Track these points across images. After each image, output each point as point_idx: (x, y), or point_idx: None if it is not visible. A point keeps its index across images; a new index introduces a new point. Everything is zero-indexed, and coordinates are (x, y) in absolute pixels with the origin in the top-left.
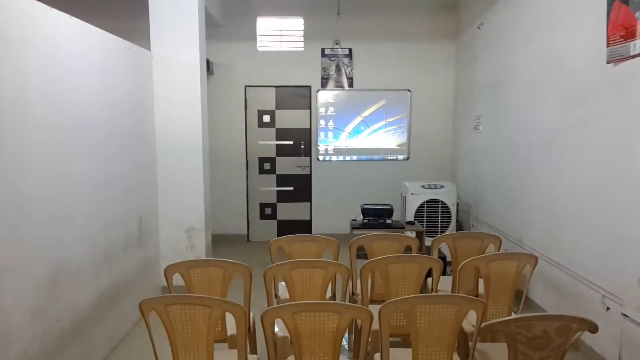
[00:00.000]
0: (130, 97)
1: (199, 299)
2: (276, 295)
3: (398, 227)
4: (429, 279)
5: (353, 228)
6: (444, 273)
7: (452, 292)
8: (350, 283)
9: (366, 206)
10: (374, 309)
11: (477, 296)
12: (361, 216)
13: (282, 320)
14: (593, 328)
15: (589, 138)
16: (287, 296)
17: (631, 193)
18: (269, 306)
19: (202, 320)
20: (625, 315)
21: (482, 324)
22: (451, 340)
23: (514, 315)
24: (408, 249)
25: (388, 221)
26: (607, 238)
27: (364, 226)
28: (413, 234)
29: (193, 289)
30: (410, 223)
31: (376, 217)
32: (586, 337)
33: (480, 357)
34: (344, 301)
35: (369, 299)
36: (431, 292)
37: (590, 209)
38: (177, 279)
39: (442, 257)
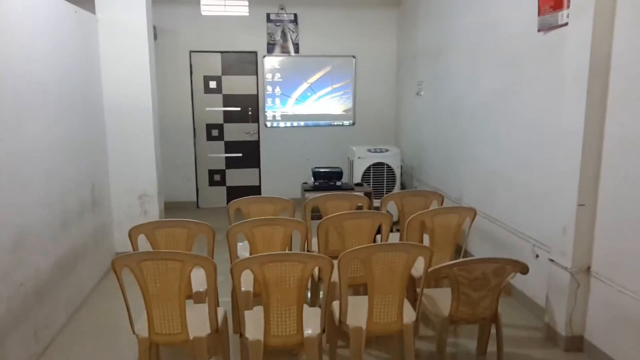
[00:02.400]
0: (77, 61)
1: (171, 254)
2: (237, 256)
3: (348, 188)
4: (378, 236)
5: (305, 190)
6: (391, 231)
7: None
8: (306, 241)
9: (317, 169)
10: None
11: None
12: (312, 179)
13: (251, 271)
14: (524, 269)
15: (522, 100)
16: (246, 256)
17: (557, 150)
18: (232, 262)
19: (174, 275)
20: (551, 260)
21: (429, 269)
22: (402, 284)
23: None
24: (359, 208)
25: (338, 183)
26: (537, 193)
27: (315, 188)
28: (362, 195)
29: (158, 249)
30: (358, 185)
31: (327, 180)
32: (518, 282)
33: (427, 301)
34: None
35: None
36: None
37: (523, 166)
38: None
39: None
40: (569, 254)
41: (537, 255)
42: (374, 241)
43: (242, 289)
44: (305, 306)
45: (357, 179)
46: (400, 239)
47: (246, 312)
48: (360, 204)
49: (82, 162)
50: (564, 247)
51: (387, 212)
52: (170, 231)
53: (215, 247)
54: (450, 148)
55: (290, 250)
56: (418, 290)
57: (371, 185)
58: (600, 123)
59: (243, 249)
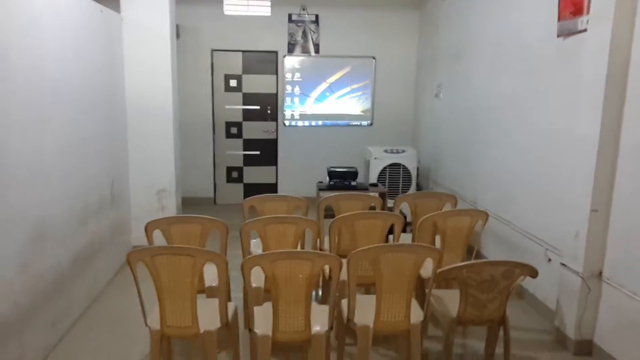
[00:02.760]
0: (101, 60)
1: (184, 249)
2: (249, 253)
3: (362, 188)
4: (391, 236)
5: (320, 189)
6: (404, 231)
7: None
8: (318, 240)
9: (332, 169)
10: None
11: None
12: (327, 178)
13: (261, 268)
14: (533, 273)
15: (539, 104)
16: (258, 252)
17: (572, 157)
18: (244, 258)
19: (187, 270)
20: (563, 264)
21: (438, 270)
22: (410, 285)
23: None
24: (372, 208)
25: (353, 183)
26: (551, 197)
27: (330, 188)
28: (376, 195)
29: (173, 244)
30: (373, 185)
31: (342, 179)
32: (530, 285)
33: (436, 301)
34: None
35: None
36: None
37: (538, 171)
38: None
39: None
40: (580, 258)
41: (550, 259)
42: (386, 241)
43: (253, 285)
44: (314, 303)
45: (373, 179)
46: (413, 240)
47: (256, 308)
48: (373, 205)
49: (103, 159)
50: (576, 252)
51: (401, 212)
52: (185, 227)
53: (229, 244)
54: (467, 150)
55: (303, 248)
56: (427, 290)
57: (387, 186)
58: (616, 130)
59: (256, 246)
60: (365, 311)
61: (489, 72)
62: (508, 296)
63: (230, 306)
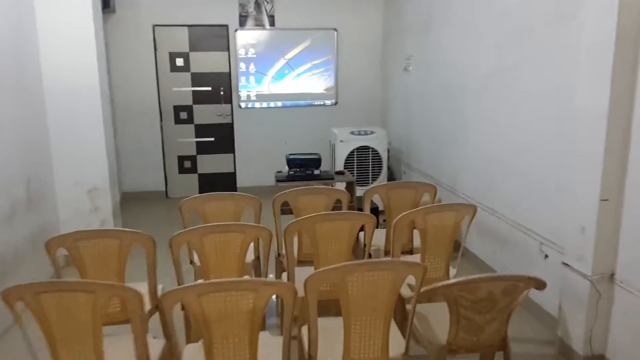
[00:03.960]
0: (7, 30)
1: (78, 285)
2: (191, 262)
3: (327, 178)
4: (362, 233)
5: (278, 181)
6: (377, 225)
7: (385, 247)
8: (276, 243)
9: (292, 156)
10: (302, 271)
11: (412, 251)
12: (287, 167)
13: (184, 306)
14: (541, 285)
15: (527, 77)
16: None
17: (573, 135)
18: (178, 281)
19: (84, 310)
20: (566, 264)
21: (422, 289)
22: (388, 311)
23: (452, 270)
24: (338, 203)
25: (316, 172)
26: (544, 185)
27: (290, 178)
28: (343, 185)
29: (83, 266)
30: (339, 173)
31: (303, 168)
32: None
33: (420, 322)
34: (267, 266)
35: (296, 260)
36: (364, 249)
37: (526, 155)
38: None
39: (375, 208)
40: (588, 258)
41: (547, 256)
42: (357, 241)
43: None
44: (266, 333)
45: (340, 165)
46: (386, 241)
47: (187, 347)
48: (339, 198)
49: (15, 155)
50: (582, 250)
51: (372, 201)
52: (98, 243)
53: (166, 261)
54: (442, 130)
55: (258, 255)
56: (408, 307)
57: (355, 172)
58: (629, 101)
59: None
60: (332, 343)
61: (463, 42)
62: (510, 316)
63: (155, 343)
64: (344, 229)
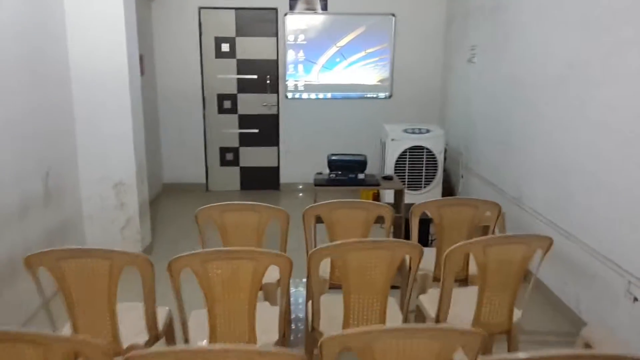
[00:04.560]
0: (32, 11)
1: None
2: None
3: (372, 184)
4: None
5: (317, 184)
6: (425, 242)
7: (435, 273)
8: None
9: (334, 157)
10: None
11: (466, 280)
12: (327, 170)
13: None
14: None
15: (617, 73)
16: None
17: None
18: (178, 308)
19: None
20: None
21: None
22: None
23: (517, 312)
24: (380, 220)
25: (360, 176)
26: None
27: (330, 182)
28: (391, 193)
29: (67, 288)
30: (387, 178)
31: (346, 171)
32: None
33: None
34: (286, 301)
35: (328, 283)
36: (407, 280)
37: (617, 167)
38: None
39: (425, 219)
40: None
41: (636, 299)
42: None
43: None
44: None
45: (390, 166)
46: (437, 267)
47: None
48: (381, 214)
49: (31, 145)
50: None
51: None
52: (85, 264)
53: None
54: (509, 131)
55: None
56: None
57: (407, 175)
58: None
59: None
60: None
61: (539, 27)
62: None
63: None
64: (381, 260)
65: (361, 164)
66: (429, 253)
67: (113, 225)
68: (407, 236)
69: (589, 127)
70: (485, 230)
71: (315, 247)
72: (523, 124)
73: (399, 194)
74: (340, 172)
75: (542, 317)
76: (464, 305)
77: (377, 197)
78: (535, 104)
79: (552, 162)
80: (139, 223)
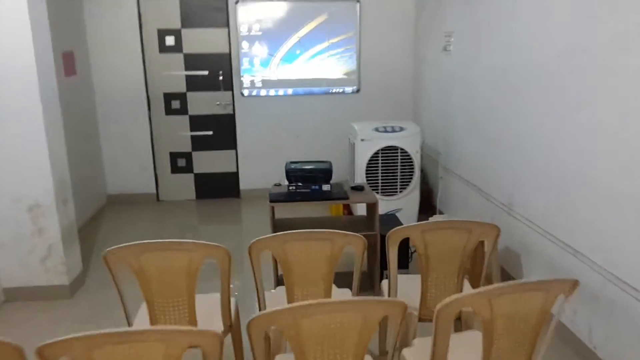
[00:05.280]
0: None
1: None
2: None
3: (339, 197)
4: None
5: (273, 200)
6: (404, 266)
7: (420, 311)
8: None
9: (293, 166)
10: None
11: (459, 318)
12: (286, 181)
13: None
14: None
15: (623, 64)
16: None
17: None
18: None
19: None
20: None
21: None
22: None
23: None
24: (368, 248)
25: (325, 187)
26: None
27: (289, 197)
28: (363, 207)
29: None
30: (357, 189)
31: (307, 182)
32: None
33: None
34: None
35: None
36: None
37: (629, 171)
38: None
39: (406, 245)
40: None
41: None
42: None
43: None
44: None
45: (361, 169)
46: (422, 304)
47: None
48: (350, 244)
49: None
50: None
51: (403, 245)
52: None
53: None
54: (496, 128)
55: None
56: None
57: (380, 179)
58: None
59: None
60: None
61: (530, 10)
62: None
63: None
64: (351, 325)
65: (325, 173)
66: (410, 282)
67: (31, 256)
68: (384, 258)
69: (593, 124)
70: (476, 256)
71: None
72: (511, 120)
73: (371, 207)
74: (300, 184)
75: (550, 353)
76: (463, 356)
77: (349, 209)
78: (525, 98)
79: (550, 165)
80: (63, 251)
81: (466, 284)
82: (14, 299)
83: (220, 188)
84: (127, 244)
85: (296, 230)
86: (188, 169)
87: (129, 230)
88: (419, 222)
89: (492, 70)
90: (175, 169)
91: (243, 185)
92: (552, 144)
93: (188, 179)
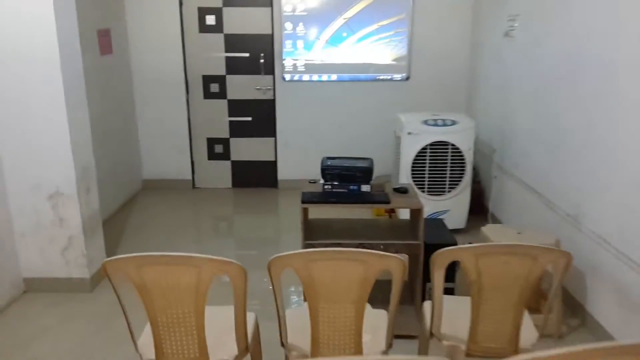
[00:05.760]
0: None
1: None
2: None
3: (379, 201)
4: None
5: (305, 201)
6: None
7: (468, 345)
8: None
9: (329, 163)
10: None
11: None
12: (321, 180)
13: None
14: None
15: None
16: None
17: None
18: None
19: None
20: None
21: None
22: None
23: None
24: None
25: (365, 188)
26: None
27: (323, 198)
28: (407, 213)
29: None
30: (400, 191)
31: (344, 182)
32: None
33: None
34: None
35: None
36: None
37: None
38: None
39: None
40: None
41: None
42: None
43: None
44: None
45: (406, 167)
46: (469, 352)
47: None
48: (387, 269)
49: None
50: None
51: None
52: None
53: None
54: (567, 128)
55: None
56: None
57: (427, 177)
58: None
59: None
60: None
61: None
62: None
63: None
64: None
65: (365, 172)
66: (457, 306)
67: (51, 246)
68: (427, 271)
69: None
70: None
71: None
72: (586, 118)
73: (416, 213)
74: (336, 184)
75: None
76: None
77: (393, 210)
78: (605, 92)
79: (628, 171)
80: (84, 243)
81: (527, 318)
82: (34, 290)
83: (257, 177)
84: (127, 255)
85: (324, 249)
86: (225, 155)
87: (162, 219)
88: (472, 245)
89: (562, 58)
90: (212, 156)
91: (281, 175)
92: (636, 144)
93: (225, 167)
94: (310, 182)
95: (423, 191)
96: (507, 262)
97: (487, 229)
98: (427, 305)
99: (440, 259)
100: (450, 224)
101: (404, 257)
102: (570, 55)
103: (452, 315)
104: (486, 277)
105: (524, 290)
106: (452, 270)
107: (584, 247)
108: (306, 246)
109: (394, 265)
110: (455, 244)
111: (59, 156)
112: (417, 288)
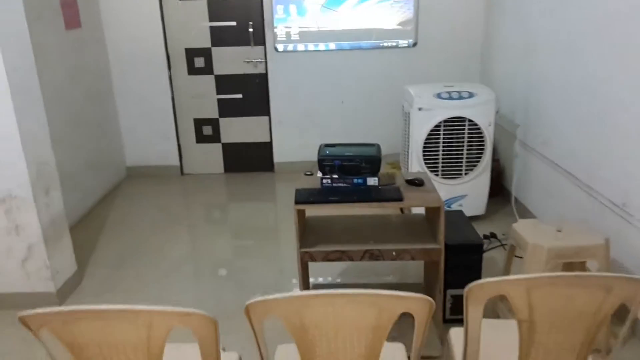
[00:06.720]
0: None
1: None
2: None
3: (390, 198)
4: None
5: (299, 202)
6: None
7: None
8: None
9: (328, 152)
10: None
11: None
12: (319, 172)
13: None
14: None
15: None
16: None
17: None
18: None
19: None
20: None
21: None
22: None
23: None
24: (407, 315)
25: (371, 181)
26: None
27: (321, 197)
28: (421, 211)
29: None
30: (414, 183)
31: (345, 174)
32: None
33: None
34: None
35: None
36: None
37: None
38: None
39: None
40: None
41: None
42: None
43: None
44: None
45: (416, 148)
46: None
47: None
48: (405, 311)
49: None
50: None
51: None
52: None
53: None
54: (608, 102)
55: None
56: None
57: (440, 158)
58: None
59: None
60: None
61: None
62: None
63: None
64: None
65: (372, 162)
66: (493, 332)
67: (9, 258)
68: (447, 276)
69: None
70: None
71: None
72: (624, 84)
73: (434, 214)
74: (335, 177)
75: None
76: None
77: None
78: None
79: None
80: (46, 252)
81: None
82: None
83: (251, 160)
84: (48, 309)
85: (321, 292)
86: (215, 137)
87: (148, 210)
88: (521, 276)
89: (597, 19)
90: (200, 138)
91: (277, 157)
92: None
93: (215, 150)
94: (305, 175)
95: (437, 174)
96: (570, 296)
97: (520, 227)
98: (454, 334)
99: (478, 294)
100: (468, 211)
101: (430, 300)
102: (602, 11)
103: (490, 347)
104: (541, 315)
105: (589, 331)
106: (477, 264)
107: (634, 242)
108: (302, 254)
109: (416, 308)
110: (482, 245)
111: (6, 153)
112: (436, 295)
